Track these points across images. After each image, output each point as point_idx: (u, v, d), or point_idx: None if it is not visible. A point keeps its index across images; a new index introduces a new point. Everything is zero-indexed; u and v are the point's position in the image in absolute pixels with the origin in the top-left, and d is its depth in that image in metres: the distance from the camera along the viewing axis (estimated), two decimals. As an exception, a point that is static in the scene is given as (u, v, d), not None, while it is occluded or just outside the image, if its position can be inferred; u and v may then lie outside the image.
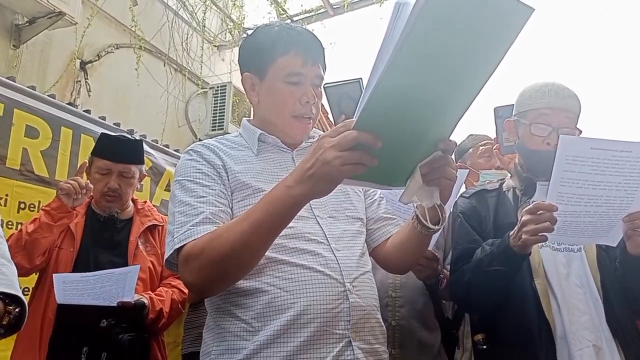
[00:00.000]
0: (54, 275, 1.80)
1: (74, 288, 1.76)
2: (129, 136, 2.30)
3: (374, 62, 0.79)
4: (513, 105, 1.62)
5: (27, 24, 3.40)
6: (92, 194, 2.05)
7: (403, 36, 0.70)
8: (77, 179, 1.96)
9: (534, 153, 1.45)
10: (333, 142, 0.83)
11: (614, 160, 1.17)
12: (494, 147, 2.17)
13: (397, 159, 0.91)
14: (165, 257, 1.08)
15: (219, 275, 1.00)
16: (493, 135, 2.27)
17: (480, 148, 2.35)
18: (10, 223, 2.37)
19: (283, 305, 1.04)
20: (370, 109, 0.79)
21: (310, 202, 1.11)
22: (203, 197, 1.09)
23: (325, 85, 2.04)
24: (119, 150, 2.06)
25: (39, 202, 2.48)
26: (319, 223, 1.15)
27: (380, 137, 0.82)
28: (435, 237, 1.58)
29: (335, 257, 1.10)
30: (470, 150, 2.39)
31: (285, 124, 1.22)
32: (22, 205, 2.46)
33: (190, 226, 1.03)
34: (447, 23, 0.71)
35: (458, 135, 2.53)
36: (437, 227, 1.07)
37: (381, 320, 1.18)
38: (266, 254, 1.03)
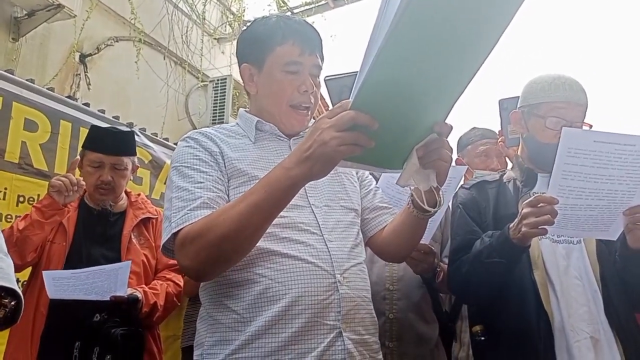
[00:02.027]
0: (43, 272, 1.79)
1: (65, 284, 1.75)
2: (120, 127, 2.29)
3: (367, 43, 0.79)
4: (518, 97, 1.60)
5: (26, 17, 3.38)
6: (84, 188, 2.03)
7: (396, 17, 0.69)
8: (69, 175, 1.95)
9: (546, 146, 1.43)
10: (330, 123, 0.84)
11: (617, 154, 1.16)
12: (499, 140, 2.15)
13: (393, 142, 0.91)
14: (162, 242, 1.08)
15: (216, 257, 1.00)
16: (496, 128, 2.25)
17: (480, 147, 2.31)
18: (9, 217, 2.37)
19: (274, 296, 1.04)
20: (366, 90, 0.79)
21: (306, 190, 1.12)
22: (200, 182, 1.09)
23: (326, 78, 2.03)
24: (110, 142, 2.05)
25: (38, 195, 2.48)
26: (313, 212, 1.15)
27: (376, 118, 0.82)
28: (432, 228, 1.58)
29: (327, 248, 1.11)
30: (469, 147, 2.36)
31: (283, 113, 1.22)
32: (21, 199, 2.45)
33: (188, 211, 1.03)
34: (441, 4, 0.70)
35: (461, 128, 2.50)
36: (434, 209, 1.07)
37: (373, 311, 1.18)
38: (258, 244, 1.03)
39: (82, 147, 2.11)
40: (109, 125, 2.39)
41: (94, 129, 2.16)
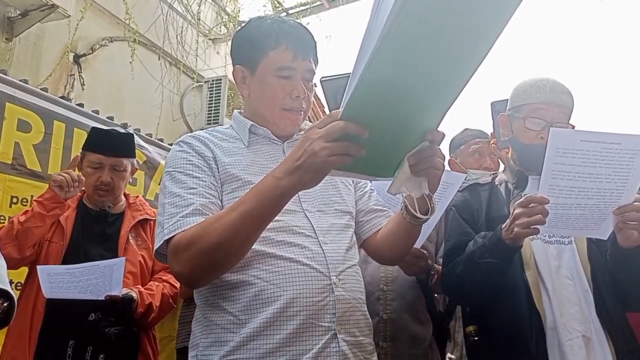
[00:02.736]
0: (37, 267, 1.80)
1: (60, 281, 1.76)
2: (120, 129, 2.30)
3: (358, 50, 0.78)
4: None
5: (20, 17, 3.37)
6: (84, 187, 2.06)
7: (387, 25, 0.69)
8: (70, 171, 1.98)
9: (528, 147, 1.46)
10: (320, 133, 0.84)
11: (604, 153, 1.17)
12: (492, 142, 2.16)
13: (385, 150, 0.91)
14: (155, 247, 1.08)
15: (208, 265, 1.00)
16: (489, 130, 2.26)
17: (472, 147, 2.33)
18: (2, 217, 2.36)
19: (269, 298, 1.04)
20: (356, 99, 0.79)
21: (299, 195, 1.12)
22: (193, 188, 1.09)
23: (322, 79, 2.04)
24: (110, 144, 2.06)
25: (32, 196, 2.47)
26: (307, 216, 1.15)
27: (367, 127, 0.82)
28: (427, 231, 1.58)
29: (322, 250, 1.11)
30: (462, 147, 2.37)
31: (275, 115, 1.22)
32: (15, 200, 2.45)
33: (180, 217, 1.03)
34: (433, 12, 0.70)
35: (454, 129, 2.51)
36: (426, 217, 1.07)
37: (367, 313, 1.18)
38: (254, 247, 1.03)
39: (82, 148, 2.13)
40: (110, 127, 2.41)
41: (94, 130, 2.17)
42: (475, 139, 2.33)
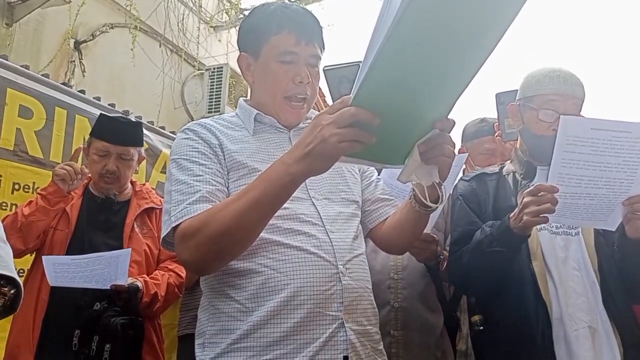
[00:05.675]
0: (43, 257, 1.79)
1: (65, 271, 1.75)
2: (129, 117, 2.28)
3: (370, 38, 0.77)
4: (515, 91, 1.59)
5: (20, 2, 3.35)
6: (89, 175, 2.04)
7: (400, 12, 0.68)
8: (72, 164, 1.96)
9: (540, 138, 1.44)
10: (331, 119, 0.83)
11: (614, 141, 1.16)
12: (496, 135, 2.13)
13: (395, 137, 0.90)
14: (162, 235, 1.08)
15: (216, 252, 1.00)
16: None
17: (485, 145, 2.27)
18: (4, 204, 2.35)
19: (276, 286, 1.04)
20: (368, 86, 0.78)
21: (306, 183, 1.10)
22: (200, 175, 1.08)
23: (325, 69, 2.01)
24: (118, 132, 2.04)
25: (34, 183, 2.46)
26: (314, 204, 1.14)
27: (378, 114, 0.81)
28: (434, 218, 1.57)
29: (330, 239, 1.10)
30: (475, 141, 2.31)
31: (277, 105, 1.20)
32: (17, 187, 2.43)
33: (187, 204, 1.03)
34: (445, 0, 0.69)
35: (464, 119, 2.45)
36: (436, 205, 1.06)
37: (374, 302, 1.18)
38: (261, 234, 1.02)
39: (90, 134, 2.11)
40: (119, 115, 2.38)
41: (102, 117, 2.14)
42: (489, 136, 2.27)
